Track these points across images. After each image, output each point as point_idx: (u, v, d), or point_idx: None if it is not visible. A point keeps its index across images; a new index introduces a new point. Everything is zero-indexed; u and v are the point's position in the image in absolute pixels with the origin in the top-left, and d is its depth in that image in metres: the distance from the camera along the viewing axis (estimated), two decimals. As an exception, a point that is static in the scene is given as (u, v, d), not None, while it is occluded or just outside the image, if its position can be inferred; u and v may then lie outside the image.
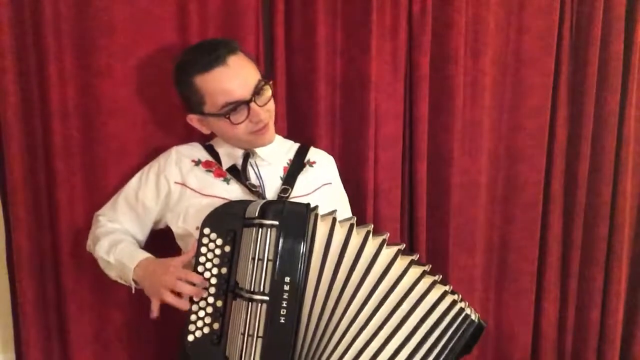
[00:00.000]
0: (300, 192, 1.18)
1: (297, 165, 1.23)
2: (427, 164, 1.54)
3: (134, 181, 1.23)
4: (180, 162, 1.20)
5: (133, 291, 1.14)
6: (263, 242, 0.98)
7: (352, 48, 1.45)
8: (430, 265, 1.06)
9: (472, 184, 1.62)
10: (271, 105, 1.16)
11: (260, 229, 0.99)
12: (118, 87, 1.28)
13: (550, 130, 1.67)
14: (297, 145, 1.31)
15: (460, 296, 1.07)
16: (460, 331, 1.05)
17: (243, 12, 1.35)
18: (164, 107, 1.34)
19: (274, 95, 1.17)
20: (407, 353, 1.01)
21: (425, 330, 1.02)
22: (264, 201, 1.03)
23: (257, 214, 0.99)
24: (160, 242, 1.26)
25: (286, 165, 1.23)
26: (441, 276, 1.06)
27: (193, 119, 1.19)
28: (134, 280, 1.12)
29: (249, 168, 1.20)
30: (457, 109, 1.53)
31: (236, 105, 1.10)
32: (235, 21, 1.36)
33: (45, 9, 1.21)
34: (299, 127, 1.45)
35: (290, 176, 1.20)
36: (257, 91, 1.11)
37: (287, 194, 1.15)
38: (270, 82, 1.15)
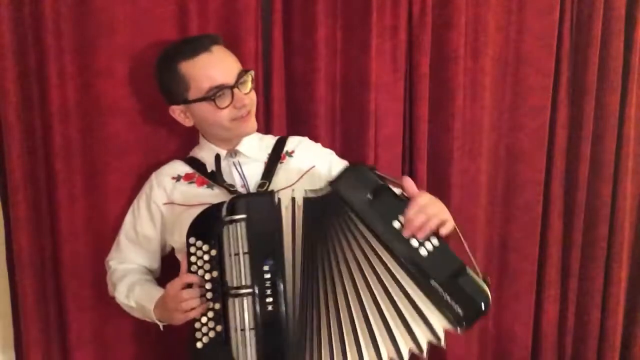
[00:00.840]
0: (282, 185, 1.18)
1: (274, 159, 1.24)
2: (427, 164, 1.54)
3: (128, 218, 1.27)
4: (162, 183, 1.22)
5: (161, 328, 1.18)
6: (235, 237, 1.01)
7: (352, 48, 1.45)
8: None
9: (472, 184, 1.62)
10: (253, 94, 1.19)
11: (230, 225, 1.01)
12: (118, 87, 1.28)
13: (550, 130, 1.67)
14: (274, 138, 1.31)
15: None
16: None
17: (243, 12, 1.35)
18: (164, 107, 1.34)
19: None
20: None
21: None
22: (230, 198, 1.05)
23: (225, 212, 1.02)
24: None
25: (266, 160, 1.24)
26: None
27: (175, 111, 1.21)
28: (158, 320, 1.15)
29: (232, 169, 1.21)
30: (457, 109, 1.53)
31: (221, 90, 1.12)
32: (235, 21, 1.36)
33: (45, 9, 1.21)
34: (299, 127, 1.45)
35: (268, 170, 1.21)
36: (240, 79, 1.15)
37: (265, 188, 1.16)
38: (252, 72, 1.18)
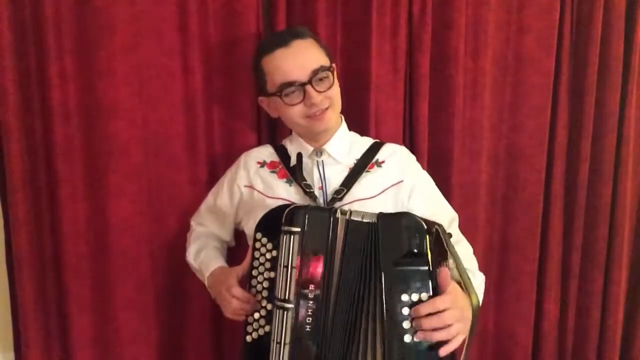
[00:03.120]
0: (362, 195, 1.15)
1: (361, 166, 1.20)
2: (427, 164, 1.54)
3: (213, 189, 1.33)
4: (247, 165, 1.25)
5: (212, 296, 1.21)
6: (287, 249, 0.98)
7: (352, 48, 1.45)
8: None
9: (472, 184, 1.61)
10: (332, 92, 1.16)
11: (285, 236, 0.99)
12: (118, 87, 1.28)
13: (550, 130, 1.67)
14: (369, 143, 1.27)
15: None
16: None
17: (244, 12, 1.35)
18: (164, 107, 1.35)
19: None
20: None
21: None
22: (291, 207, 1.02)
23: (283, 220, 1.00)
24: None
25: (352, 165, 1.21)
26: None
27: (263, 101, 1.24)
28: (208, 287, 1.20)
29: (314, 168, 1.19)
30: (457, 109, 1.53)
31: (292, 86, 1.12)
32: (236, 21, 1.36)
33: (45, 9, 1.21)
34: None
35: (350, 177, 1.17)
36: (316, 75, 1.12)
37: (341, 196, 1.13)
38: (332, 68, 1.17)
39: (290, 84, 1.12)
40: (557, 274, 1.75)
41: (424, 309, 0.91)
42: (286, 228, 0.99)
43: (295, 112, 1.15)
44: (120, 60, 1.27)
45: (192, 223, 1.36)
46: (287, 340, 0.97)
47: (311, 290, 0.97)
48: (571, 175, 1.72)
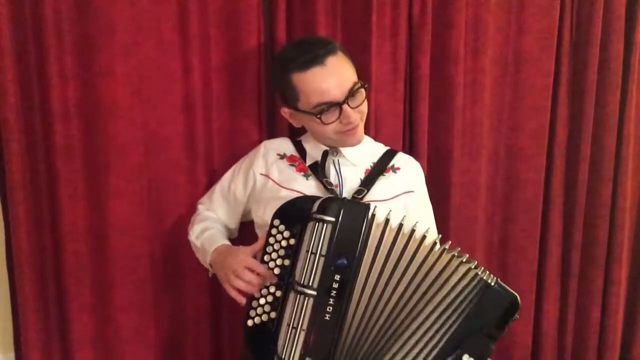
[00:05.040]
0: (378, 197, 1.17)
1: (378, 169, 1.23)
2: (427, 164, 1.54)
3: (228, 173, 1.32)
4: (267, 154, 1.25)
5: (210, 275, 1.23)
6: (318, 237, 1.00)
7: (352, 48, 1.44)
8: (459, 249, 1.04)
9: (472, 184, 1.61)
10: (364, 107, 1.18)
11: (317, 224, 1.01)
12: (118, 87, 1.28)
13: (550, 130, 1.67)
14: (384, 149, 1.30)
15: (482, 269, 1.05)
16: (477, 297, 1.03)
17: (244, 12, 1.35)
18: (163, 107, 1.34)
19: (367, 98, 1.18)
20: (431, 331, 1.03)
21: (445, 303, 1.03)
22: (325, 197, 1.05)
23: (316, 209, 1.02)
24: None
25: (369, 168, 1.23)
26: (468, 256, 1.04)
27: (286, 112, 1.23)
28: (210, 264, 1.18)
29: (331, 166, 1.21)
30: (457, 109, 1.53)
31: (329, 106, 1.12)
32: (236, 21, 1.36)
33: (45, 9, 1.21)
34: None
35: (369, 179, 1.20)
36: (352, 93, 1.12)
37: (361, 196, 1.15)
38: (366, 86, 1.16)
39: (327, 104, 1.12)
40: (556, 273, 1.76)
41: None
42: (318, 216, 1.01)
43: (330, 129, 1.15)
44: (120, 60, 1.27)
45: (200, 206, 1.35)
46: (304, 327, 0.99)
47: (336, 281, 0.99)
48: (571, 175, 1.72)
